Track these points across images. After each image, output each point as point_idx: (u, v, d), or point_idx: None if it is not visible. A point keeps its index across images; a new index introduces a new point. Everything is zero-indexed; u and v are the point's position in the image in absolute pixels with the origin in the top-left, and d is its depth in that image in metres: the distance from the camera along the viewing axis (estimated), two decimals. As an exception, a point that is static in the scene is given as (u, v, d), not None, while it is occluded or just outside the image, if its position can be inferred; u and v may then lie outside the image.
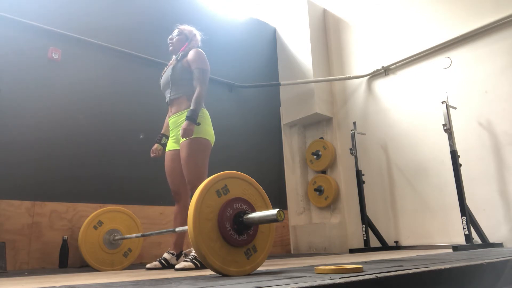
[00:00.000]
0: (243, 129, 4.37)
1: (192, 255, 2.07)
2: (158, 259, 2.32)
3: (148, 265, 2.30)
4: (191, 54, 2.39)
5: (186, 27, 2.57)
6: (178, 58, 2.48)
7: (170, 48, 2.56)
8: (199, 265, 2.00)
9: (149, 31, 3.86)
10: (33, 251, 2.76)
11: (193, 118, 2.17)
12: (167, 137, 2.58)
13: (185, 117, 2.20)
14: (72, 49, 3.30)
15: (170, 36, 2.58)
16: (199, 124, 2.22)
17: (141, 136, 3.42)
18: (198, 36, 2.58)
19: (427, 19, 3.83)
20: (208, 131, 2.30)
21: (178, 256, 2.35)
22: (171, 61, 2.57)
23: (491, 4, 3.37)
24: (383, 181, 4.00)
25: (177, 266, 2.00)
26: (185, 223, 2.38)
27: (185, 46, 2.48)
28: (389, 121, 4.03)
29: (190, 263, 2.00)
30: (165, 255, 2.33)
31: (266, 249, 1.48)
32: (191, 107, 2.21)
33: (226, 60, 4.45)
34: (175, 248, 2.38)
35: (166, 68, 2.59)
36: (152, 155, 2.59)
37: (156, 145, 2.59)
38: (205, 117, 2.33)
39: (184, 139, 2.23)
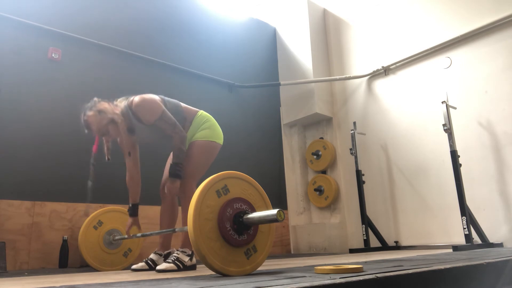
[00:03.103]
0: (243, 129, 4.36)
1: (174, 255, 2.00)
2: (144, 260, 2.25)
3: (134, 266, 2.22)
4: (137, 114, 2.13)
5: (93, 118, 2.12)
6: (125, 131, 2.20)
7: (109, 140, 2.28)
8: (181, 266, 1.95)
9: (149, 31, 3.86)
10: (33, 251, 2.76)
11: (177, 174, 2.06)
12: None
13: (168, 172, 2.09)
14: (72, 49, 3.30)
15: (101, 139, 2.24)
16: (184, 178, 2.11)
17: (141, 136, 3.42)
18: (101, 104, 2.17)
19: (427, 19, 3.83)
20: (217, 134, 2.28)
21: (165, 257, 2.26)
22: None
23: (491, 4, 3.37)
24: (383, 181, 4.00)
25: (158, 267, 1.94)
26: (173, 223, 2.35)
27: (107, 126, 2.14)
28: (389, 121, 4.03)
29: (172, 264, 1.94)
30: (152, 255, 2.26)
31: (266, 249, 1.48)
32: (174, 160, 2.08)
33: (226, 60, 4.45)
34: (162, 248, 2.31)
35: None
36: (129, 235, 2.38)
37: (132, 221, 2.36)
38: (211, 121, 2.31)
39: (195, 139, 2.21)
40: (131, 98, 2.20)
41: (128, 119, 2.19)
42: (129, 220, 2.36)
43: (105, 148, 2.30)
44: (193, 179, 2.17)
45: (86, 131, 2.18)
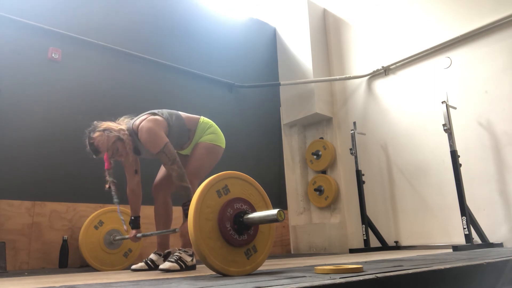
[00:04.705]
0: (243, 129, 4.36)
1: (176, 255, 2.00)
2: (144, 260, 2.26)
3: (133, 266, 2.23)
4: (141, 140, 2.10)
5: (99, 138, 2.09)
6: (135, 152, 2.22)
7: (121, 159, 2.22)
8: (183, 266, 1.95)
9: (149, 31, 3.86)
10: (33, 251, 2.76)
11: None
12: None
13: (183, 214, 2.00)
14: (72, 49, 3.30)
15: (110, 156, 2.18)
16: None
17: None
18: (103, 124, 2.17)
19: (427, 19, 3.83)
20: (220, 138, 2.31)
21: (165, 257, 2.28)
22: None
23: (491, 4, 3.37)
24: (383, 181, 3.99)
25: (161, 267, 1.94)
26: (169, 222, 2.35)
27: (115, 143, 2.12)
28: (389, 121, 4.03)
29: (175, 264, 1.94)
30: (152, 256, 2.27)
31: (266, 249, 1.48)
32: (183, 200, 1.99)
33: (226, 60, 4.45)
34: (161, 248, 2.32)
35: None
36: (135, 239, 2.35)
37: (135, 233, 2.33)
38: (214, 127, 2.33)
39: (201, 141, 2.23)
40: (137, 122, 2.16)
41: (133, 140, 2.18)
42: (132, 232, 2.35)
43: (107, 176, 2.26)
44: (196, 178, 2.18)
45: (94, 156, 2.12)
